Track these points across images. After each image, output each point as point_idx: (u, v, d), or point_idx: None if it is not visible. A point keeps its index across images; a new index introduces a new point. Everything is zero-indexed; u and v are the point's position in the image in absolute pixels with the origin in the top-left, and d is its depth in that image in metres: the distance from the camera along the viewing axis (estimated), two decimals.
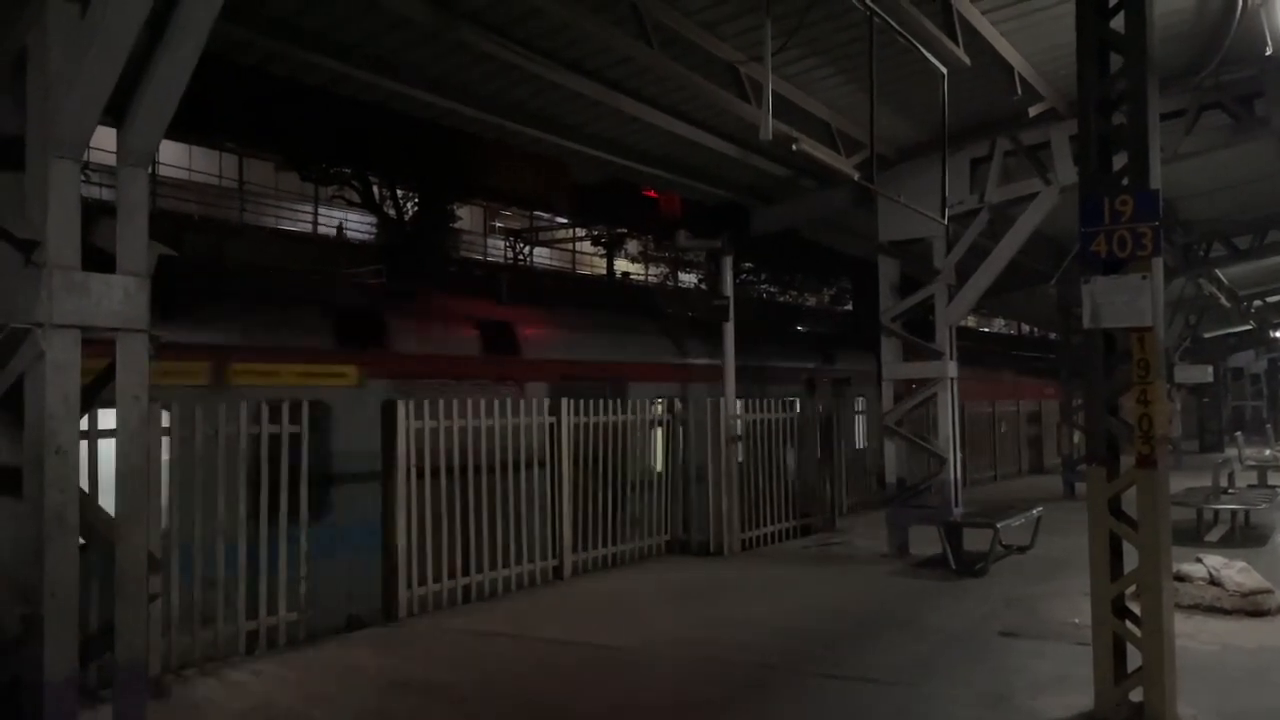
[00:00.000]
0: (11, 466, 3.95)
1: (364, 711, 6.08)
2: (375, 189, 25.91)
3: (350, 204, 27.06)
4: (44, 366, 3.78)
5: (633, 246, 36.40)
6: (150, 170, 5.25)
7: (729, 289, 12.49)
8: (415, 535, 8.62)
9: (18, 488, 3.89)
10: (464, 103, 9.29)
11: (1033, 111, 10.27)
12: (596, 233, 33.79)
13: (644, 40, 8.17)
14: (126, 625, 4.02)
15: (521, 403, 9.93)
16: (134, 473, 4.05)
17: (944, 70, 8.07)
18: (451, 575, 8.96)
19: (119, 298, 3.98)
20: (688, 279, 38.06)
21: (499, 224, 36.38)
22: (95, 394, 4.20)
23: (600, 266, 35.93)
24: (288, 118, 18.11)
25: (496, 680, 6.69)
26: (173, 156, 25.42)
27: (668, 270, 38.22)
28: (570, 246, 36.51)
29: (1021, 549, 11.34)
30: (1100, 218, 5.65)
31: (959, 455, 11.83)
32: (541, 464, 10.09)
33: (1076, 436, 17.78)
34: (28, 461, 3.85)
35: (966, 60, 8.35)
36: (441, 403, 8.95)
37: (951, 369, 11.49)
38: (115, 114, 4.09)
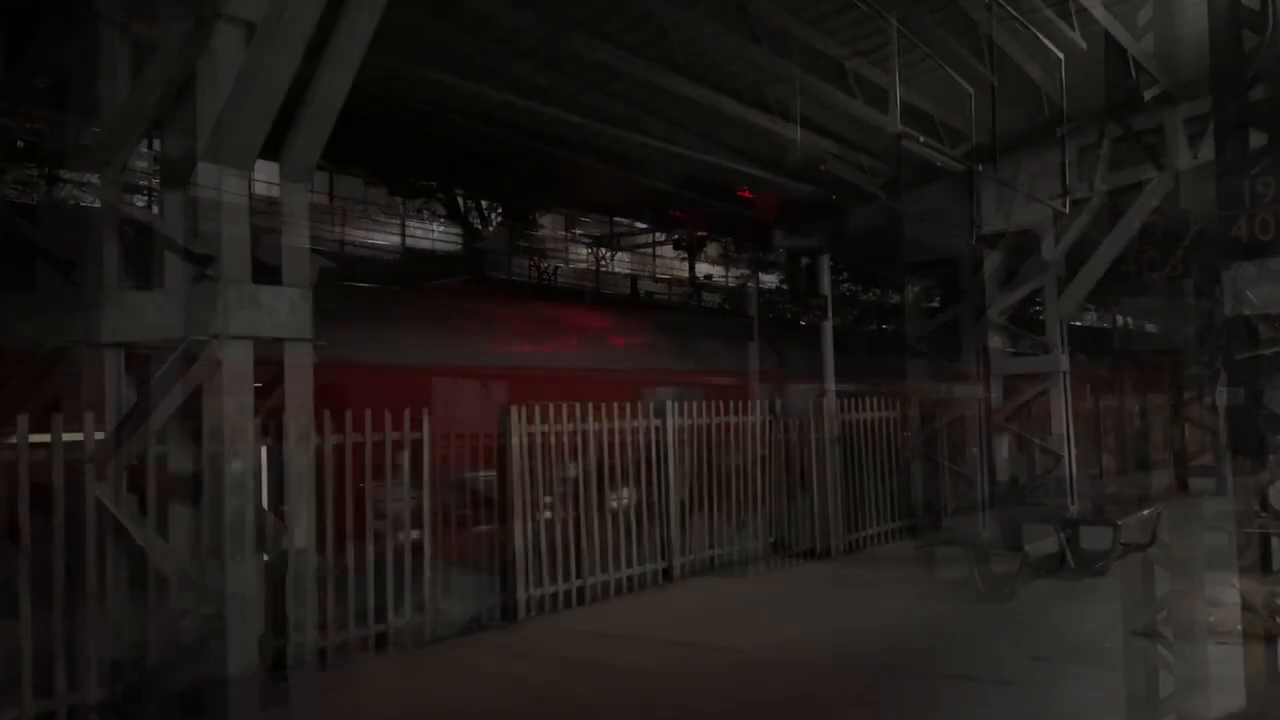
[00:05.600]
0: (189, 473, 4.14)
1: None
2: (460, 200, 26.35)
3: (436, 215, 27.56)
4: (221, 376, 3.96)
5: (712, 249, 36.27)
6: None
7: (826, 288, 12.40)
8: (531, 538, 8.76)
9: (196, 494, 4.07)
10: (569, 111, 9.43)
11: (1147, 95, 9.97)
12: (677, 236, 33.72)
13: (751, 39, 8.18)
14: (298, 620, 4.18)
15: (628, 406, 10.00)
16: (303, 475, 4.20)
17: (1061, 56, 7.89)
18: (566, 577, 9.08)
19: (286, 308, 4.14)
20: (769, 280, 37.76)
21: (579, 230, 36.59)
22: (264, 402, 4.37)
23: (681, 270, 35.86)
24: (383, 134, 18.51)
25: (624, 682, 6.73)
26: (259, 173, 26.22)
27: (748, 273, 37.96)
28: (650, 250, 36.51)
29: (1141, 547, 10.98)
30: (1240, 201, 5.47)
31: (1073, 451, 11.53)
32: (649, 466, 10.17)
33: (1188, 430, 17.21)
34: (207, 468, 4.02)
35: (1083, 44, 8.16)
36: (551, 408, 9.06)
37: (1064, 362, 11.22)
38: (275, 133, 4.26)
